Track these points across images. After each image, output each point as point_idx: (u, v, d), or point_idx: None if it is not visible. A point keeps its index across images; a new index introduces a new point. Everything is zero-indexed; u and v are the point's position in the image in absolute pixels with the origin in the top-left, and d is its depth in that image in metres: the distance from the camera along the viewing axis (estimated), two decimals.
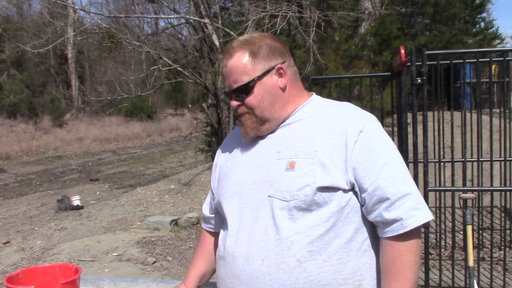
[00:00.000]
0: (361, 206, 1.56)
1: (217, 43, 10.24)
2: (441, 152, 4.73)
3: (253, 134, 1.64)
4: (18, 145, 23.85)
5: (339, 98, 4.93)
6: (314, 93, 1.77)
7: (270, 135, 1.67)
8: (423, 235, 4.38)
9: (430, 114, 5.21)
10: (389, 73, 5.24)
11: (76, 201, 11.45)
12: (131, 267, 5.78)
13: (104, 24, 10.50)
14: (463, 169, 4.42)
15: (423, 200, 1.55)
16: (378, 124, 1.63)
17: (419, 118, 4.67)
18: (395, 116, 5.65)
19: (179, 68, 10.97)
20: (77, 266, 1.92)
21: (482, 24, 13.66)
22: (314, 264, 1.50)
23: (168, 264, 5.95)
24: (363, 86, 7.21)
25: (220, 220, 1.84)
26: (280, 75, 1.64)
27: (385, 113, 6.24)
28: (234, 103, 1.64)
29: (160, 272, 5.69)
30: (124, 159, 20.92)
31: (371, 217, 1.55)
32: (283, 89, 1.65)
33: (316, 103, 1.70)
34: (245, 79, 1.60)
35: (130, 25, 27.35)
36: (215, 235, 1.87)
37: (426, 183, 4.18)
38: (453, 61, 4.37)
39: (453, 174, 4.48)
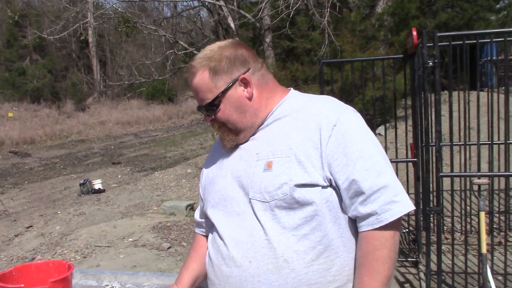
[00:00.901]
0: (341, 201, 1.53)
1: (232, 25, 10.16)
2: (464, 135, 4.60)
3: (230, 145, 1.66)
4: (42, 129, 24.28)
5: (352, 81, 4.85)
6: (291, 89, 1.73)
7: (251, 138, 1.66)
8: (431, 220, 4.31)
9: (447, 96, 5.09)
10: (401, 56, 5.11)
11: (97, 184, 11.64)
12: (146, 253, 5.85)
13: (120, 8, 10.51)
14: (477, 153, 4.33)
15: (402, 191, 1.49)
16: (355, 116, 1.58)
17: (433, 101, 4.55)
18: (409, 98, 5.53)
19: (195, 52, 10.92)
20: (70, 263, 1.93)
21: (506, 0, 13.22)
22: (302, 263, 1.48)
23: (183, 250, 6.00)
24: (379, 68, 7.08)
25: (210, 224, 1.82)
26: (245, 85, 1.62)
27: (399, 95, 6.13)
28: (207, 118, 1.65)
29: (174, 257, 5.74)
30: (146, 142, 21.12)
31: (349, 211, 1.51)
32: (250, 98, 1.63)
33: (292, 100, 1.67)
34: (210, 97, 1.60)
35: (149, 7, 27.37)
36: (207, 238, 1.86)
37: (438, 169, 4.09)
38: (466, 42, 4.23)
39: (466, 159, 4.37)
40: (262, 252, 1.50)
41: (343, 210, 1.54)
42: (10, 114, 26.21)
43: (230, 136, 1.65)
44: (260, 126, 1.65)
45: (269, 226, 1.50)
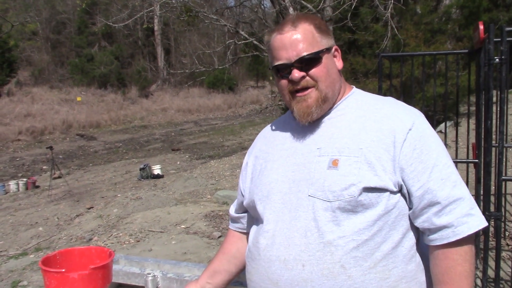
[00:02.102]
0: (409, 209, 1.45)
1: None
2: None
3: (316, 115, 1.51)
4: (107, 114, 25.20)
5: (412, 76, 4.67)
6: (354, 87, 1.66)
7: (307, 128, 1.56)
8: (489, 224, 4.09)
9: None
10: (466, 51, 4.86)
11: (157, 170, 11.95)
12: (197, 240, 5.93)
13: None
14: None
15: (476, 205, 1.42)
16: (427, 121, 1.51)
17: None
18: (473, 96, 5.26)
19: (255, 42, 10.91)
20: (111, 250, 1.96)
21: None
22: (359, 270, 1.39)
23: None
24: (444, 62, 6.78)
25: (250, 219, 1.76)
26: (336, 57, 1.57)
27: (463, 92, 5.85)
28: (298, 73, 1.48)
29: None
30: (205, 130, 21.46)
31: (418, 221, 1.43)
32: (339, 72, 1.58)
33: (358, 96, 1.60)
34: (315, 49, 1.49)
35: None
36: (242, 235, 1.81)
37: (499, 172, 3.87)
38: None
39: None
40: (317, 256, 1.41)
41: (409, 219, 1.46)
42: (79, 99, 27.36)
43: (319, 102, 1.51)
44: (324, 114, 1.56)
45: (327, 228, 1.41)
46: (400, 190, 1.43)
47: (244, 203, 1.69)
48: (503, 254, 4.71)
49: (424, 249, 1.50)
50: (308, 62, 1.49)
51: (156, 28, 33.31)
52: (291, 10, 10.08)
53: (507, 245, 5.25)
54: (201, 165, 12.08)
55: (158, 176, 11.67)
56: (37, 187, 12.20)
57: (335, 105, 1.57)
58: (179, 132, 21.57)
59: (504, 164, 4.05)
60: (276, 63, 1.52)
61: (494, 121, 4.18)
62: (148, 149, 17.68)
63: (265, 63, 33.04)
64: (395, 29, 7.39)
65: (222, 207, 7.41)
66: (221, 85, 30.36)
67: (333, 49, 1.57)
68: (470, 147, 4.94)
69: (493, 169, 4.05)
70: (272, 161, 1.60)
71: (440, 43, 7.80)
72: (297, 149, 1.55)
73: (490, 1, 9.26)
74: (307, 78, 1.50)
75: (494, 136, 4.48)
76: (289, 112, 1.69)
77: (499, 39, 3.83)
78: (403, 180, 1.42)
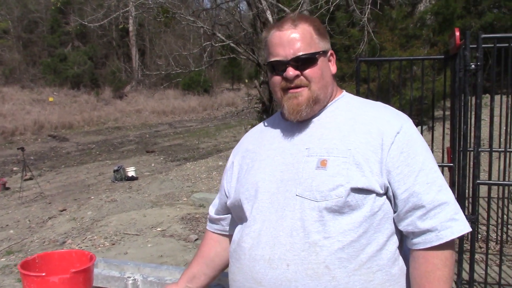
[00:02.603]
0: (393, 212, 1.46)
1: (270, 19, 10.07)
2: (505, 141, 4.44)
3: (305, 113, 1.52)
4: (80, 115, 24.84)
5: (389, 80, 4.73)
6: (344, 91, 1.67)
7: (296, 129, 1.57)
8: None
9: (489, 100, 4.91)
10: (442, 56, 4.95)
11: (131, 172, 11.83)
12: (173, 243, 5.88)
13: None
14: None
15: (460, 210, 1.43)
16: (414, 126, 1.53)
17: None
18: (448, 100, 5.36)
19: (232, 44, 10.91)
20: (92, 253, 1.92)
21: None
22: (344, 272, 1.39)
23: None
24: (420, 67, 6.90)
25: (232, 221, 1.75)
26: (330, 61, 1.59)
27: (439, 97, 5.95)
28: (293, 71, 1.49)
29: None
30: (180, 132, 21.34)
31: (403, 225, 1.44)
32: (332, 76, 1.60)
33: (348, 99, 1.61)
34: (312, 50, 1.50)
35: None
36: (221, 238, 1.79)
37: (475, 176, 3.94)
38: None
39: (505, 166, 4.21)
40: (302, 256, 1.41)
41: (394, 222, 1.47)
42: (51, 99, 26.89)
43: (310, 101, 1.51)
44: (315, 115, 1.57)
45: (313, 228, 1.40)
46: (386, 193, 1.44)
47: (228, 203, 1.68)
48: (477, 256, 4.80)
49: (407, 253, 1.51)
50: (304, 62, 1.50)
51: (131, 28, 32.99)
52: (268, 13, 10.12)
53: (480, 247, 5.35)
54: (176, 168, 12.01)
55: (132, 178, 11.55)
56: (7, 188, 11.94)
57: (325, 107, 1.58)
58: (154, 134, 21.40)
59: (479, 168, 4.13)
60: (272, 59, 1.53)
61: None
62: (122, 151, 17.48)
63: (241, 65, 33.05)
64: (372, 34, 7.48)
65: (199, 210, 7.37)
66: (197, 87, 30.23)
67: (329, 53, 1.58)
68: (445, 151, 5.03)
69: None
70: (259, 161, 1.60)
71: (416, 48, 7.94)
72: (286, 148, 1.55)
73: (464, 8, 9.47)
74: (301, 77, 1.50)
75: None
76: (278, 114, 1.70)
77: (475, 46, 3.91)
78: (389, 183, 1.43)
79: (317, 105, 1.53)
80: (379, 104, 1.60)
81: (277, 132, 1.62)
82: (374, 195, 1.41)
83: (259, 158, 1.60)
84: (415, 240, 1.42)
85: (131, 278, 2.31)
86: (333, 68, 1.60)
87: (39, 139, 21.08)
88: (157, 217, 6.99)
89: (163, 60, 25.42)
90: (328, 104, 1.58)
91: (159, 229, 6.46)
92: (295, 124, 1.57)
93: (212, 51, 14.64)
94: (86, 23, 10.84)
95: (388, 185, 1.43)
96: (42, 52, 34.84)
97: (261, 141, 1.66)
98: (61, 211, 8.79)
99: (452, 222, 1.39)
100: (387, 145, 1.43)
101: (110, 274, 2.38)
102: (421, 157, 1.44)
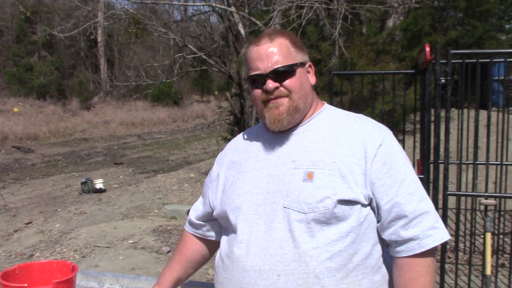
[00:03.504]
0: (377, 222, 1.51)
1: (242, 32, 10.15)
2: (474, 154, 4.57)
3: (287, 122, 1.55)
4: (46, 126, 24.28)
5: (361, 94, 4.82)
6: (326, 103, 1.71)
7: (281, 141, 1.60)
8: None
9: (455, 113, 5.06)
10: (413, 71, 5.08)
11: (99, 184, 11.61)
12: (145, 256, 5.81)
13: (131, 10, 10.53)
14: (486, 173, 4.28)
15: (440, 219, 1.50)
16: (395, 138, 1.58)
17: (443, 118, 4.53)
18: (418, 113, 5.49)
19: (204, 56, 10.93)
20: (74, 264, 1.90)
21: None
22: (332, 281, 1.43)
23: None
24: (389, 82, 7.06)
25: (212, 228, 1.81)
26: (309, 73, 1.63)
27: (408, 110, 6.11)
28: (272, 83, 1.53)
29: None
30: (149, 144, 21.10)
31: (386, 234, 1.50)
32: (312, 87, 1.64)
33: (331, 112, 1.66)
34: (289, 62, 1.55)
35: (160, 10, 27.47)
36: (201, 240, 1.84)
37: (445, 187, 4.05)
38: (480, 60, 4.20)
39: (474, 178, 4.34)
40: (293, 266, 1.44)
41: (377, 231, 1.52)
42: (15, 109, 26.25)
43: (290, 110, 1.55)
44: (296, 126, 1.60)
45: (302, 239, 1.44)
46: (370, 203, 1.49)
47: (215, 214, 1.70)
48: (446, 266, 4.91)
49: (389, 261, 1.56)
50: (282, 74, 1.54)
51: (99, 39, 32.63)
52: (240, 26, 10.19)
53: (448, 257, 5.47)
54: (147, 179, 11.86)
55: (100, 191, 11.34)
56: None
57: (309, 119, 1.61)
58: (122, 146, 21.10)
59: (449, 179, 4.24)
60: (252, 73, 1.57)
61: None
62: (89, 162, 17.16)
63: (211, 77, 33.10)
64: (343, 48, 7.62)
65: (170, 222, 7.30)
66: (166, 99, 30.06)
67: (307, 65, 1.63)
68: (416, 164, 5.14)
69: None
70: (245, 172, 1.62)
71: (385, 63, 8.13)
72: (271, 161, 1.58)
73: (430, 25, 9.75)
74: (281, 88, 1.55)
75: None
76: (261, 124, 1.73)
77: (445, 61, 4.04)
78: (372, 194, 1.48)
79: (297, 114, 1.57)
80: (361, 117, 1.64)
81: (261, 144, 1.65)
82: (359, 206, 1.46)
83: (245, 170, 1.63)
84: (398, 249, 1.48)
85: None
86: (312, 79, 1.65)
87: (3, 150, 20.50)
88: (128, 229, 6.90)
89: (132, 71, 25.23)
90: (311, 116, 1.62)
91: (130, 241, 6.37)
92: (279, 136, 1.61)
93: (182, 63, 14.60)
94: (55, 33, 10.69)
95: (372, 196, 1.48)
96: (7, 62, 34.06)
97: (246, 152, 1.68)
98: (27, 223, 8.55)
99: (433, 231, 1.45)
100: (370, 157, 1.48)
101: (89, 285, 2.34)
102: (402, 169, 1.50)
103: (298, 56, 1.58)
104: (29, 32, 33.15)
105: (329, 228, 1.44)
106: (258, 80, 1.56)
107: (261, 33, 1.64)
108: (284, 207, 1.48)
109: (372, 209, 1.50)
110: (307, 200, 1.45)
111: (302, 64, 1.59)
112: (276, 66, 1.53)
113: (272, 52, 1.54)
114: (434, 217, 1.48)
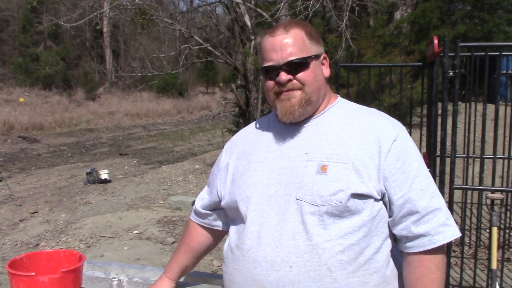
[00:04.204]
0: (388, 217, 1.51)
1: (248, 23, 10.12)
2: (481, 147, 4.56)
3: (298, 114, 1.54)
4: (52, 116, 24.34)
5: (368, 86, 4.80)
6: (339, 96, 1.70)
7: (294, 132, 1.59)
8: None
9: (463, 106, 5.03)
10: (420, 63, 5.04)
11: (104, 174, 11.65)
12: (150, 246, 5.83)
13: (137, 0, 10.49)
14: (493, 167, 4.26)
15: (451, 216, 1.50)
16: (408, 134, 1.58)
17: (450, 111, 4.50)
18: (425, 106, 5.46)
19: (210, 48, 10.90)
20: (81, 253, 1.90)
21: None
22: (344, 274, 1.43)
23: None
24: (396, 74, 7.02)
25: (219, 218, 1.80)
26: (323, 65, 1.61)
27: (415, 103, 6.08)
28: (286, 76, 1.52)
29: None
30: (154, 135, 21.13)
31: (397, 229, 1.50)
32: (326, 79, 1.62)
33: (344, 105, 1.64)
34: (304, 54, 1.53)
35: (166, 1, 27.42)
36: (207, 230, 1.85)
37: (452, 181, 4.03)
38: (489, 53, 4.16)
39: (481, 172, 4.31)
40: (305, 258, 1.44)
41: (389, 226, 1.51)
42: (21, 99, 26.30)
43: (302, 102, 1.54)
44: (310, 119, 1.59)
45: (315, 232, 1.44)
46: (382, 198, 1.49)
47: (223, 204, 1.69)
48: (452, 260, 4.90)
49: (397, 256, 1.56)
50: (296, 66, 1.52)
51: (105, 30, 32.61)
52: (246, 17, 10.16)
53: (453, 251, 5.46)
54: (152, 170, 11.89)
55: (105, 181, 11.38)
56: None
57: (322, 112, 1.60)
58: (127, 137, 21.13)
59: (455, 173, 4.22)
60: (266, 64, 1.56)
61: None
62: (94, 153, 17.21)
63: (216, 69, 33.04)
64: (349, 40, 7.57)
65: (175, 213, 7.32)
66: (171, 90, 30.06)
67: (322, 57, 1.61)
68: (422, 157, 5.12)
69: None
70: (256, 163, 1.61)
71: (393, 56, 8.08)
72: (284, 152, 1.57)
73: (439, 18, 9.67)
74: (294, 81, 1.53)
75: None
76: (273, 114, 1.70)
77: (453, 54, 4.00)
78: (385, 188, 1.47)
79: (309, 106, 1.56)
80: (374, 111, 1.63)
81: (273, 135, 1.64)
82: (372, 200, 1.46)
83: (256, 160, 1.62)
84: (409, 244, 1.48)
85: (116, 279, 2.28)
86: (326, 72, 1.62)
87: (8, 140, 20.57)
88: (134, 219, 6.92)
89: (138, 62, 25.22)
90: (325, 109, 1.61)
91: (135, 232, 6.39)
92: (292, 128, 1.60)
93: (188, 54, 14.59)
94: (61, 23, 10.68)
95: (385, 191, 1.47)
96: (13, 52, 34.15)
97: (256, 143, 1.66)
98: (33, 213, 8.60)
99: (444, 227, 1.45)
100: (384, 152, 1.47)
101: (95, 275, 2.35)
102: (415, 164, 1.49)
103: (313, 48, 1.56)
104: (35, 22, 33.17)
105: (342, 221, 1.44)
106: (272, 72, 1.55)
107: (277, 23, 1.62)
108: (297, 199, 1.47)
109: (384, 204, 1.49)
110: (320, 193, 1.44)
111: (317, 57, 1.57)
112: (291, 58, 1.51)
113: (287, 43, 1.52)
114: (446, 214, 1.48)
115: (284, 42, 1.52)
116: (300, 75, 1.53)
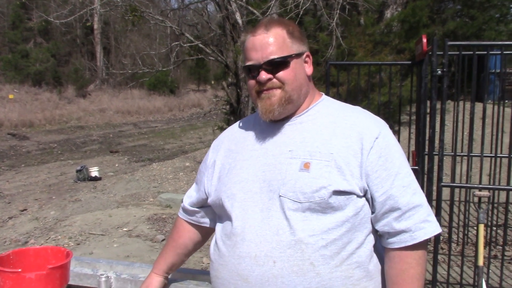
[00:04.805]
0: (371, 213, 1.53)
1: (240, 21, 10.11)
2: (469, 146, 4.60)
3: (278, 112, 1.56)
4: (42, 113, 24.19)
5: (358, 85, 4.83)
6: (323, 94, 1.72)
7: (278, 130, 1.61)
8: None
9: (451, 105, 5.06)
10: (409, 62, 5.08)
11: (94, 172, 11.60)
12: (140, 244, 5.82)
13: None
14: (480, 165, 4.30)
15: (432, 213, 1.52)
16: (391, 131, 1.60)
17: (439, 110, 4.53)
18: (414, 105, 5.50)
19: (201, 45, 10.88)
20: (68, 250, 1.90)
21: None
22: (327, 268, 1.46)
23: None
24: (386, 73, 7.06)
25: (207, 215, 1.82)
26: (306, 63, 1.62)
27: (405, 102, 6.11)
28: (265, 75, 1.54)
29: None
30: (145, 133, 21.06)
31: (379, 225, 1.52)
32: (309, 78, 1.63)
33: (328, 103, 1.66)
34: (284, 53, 1.54)
35: None
36: (195, 227, 1.87)
37: (439, 179, 4.06)
38: (476, 52, 4.19)
39: (468, 170, 4.35)
40: (288, 253, 1.46)
41: (371, 222, 1.54)
42: (11, 96, 26.10)
43: (282, 101, 1.55)
44: (293, 116, 1.61)
45: (298, 227, 1.46)
46: (365, 195, 1.51)
47: (209, 201, 1.71)
48: (439, 257, 4.94)
49: (381, 251, 1.58)
50: (276, 65, 1.54)
51: (96, 26, 32.41)
52: (237, 15, 10.14)
53: (441, 248, 5.51)
54: (142, 168, 11.86)
55: (96, 179, 11.34)
56: None
57: (306, 110, 1.62)
58: (118, 134, 21.05)
59: (443, 171, 4.25)
60: (247, 64, 1.58)
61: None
62: (84, 150, 17.12)
63: (208, 67, 32.98)
64: (340, 39, 7.60)
65: (165, 210, 7.32)
66: (162, 88, 29.97)
67: (305, 55, 1.62)
68: (411, 155, 5.16)
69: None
70: (242, 161, 1.63)
71: (384, 54, 8.12)
72: (268, 150, 1.59)
73: (429, 17, 9.73)
74: (274, 80, 1.55)
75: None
76: (256, 114, 1.72)
77: (441, 52, 4.04)
78: (367, 185, 1.49)
79: (290, 105, 1.58)
80: (358, 109, 1.65)
81: (258, 133, 1.66)
82: (355, 196, 1.48)
83: (242, 158, 1.64)
84: (391, 240, 1.50)
85: (104, 276, 2.28)
86: (309, 70, 1.64)
87: None
88: (123, 217, 6.90)
89: (129, 59, 25.11)
90: (309, 107, 1.62)
91: (125, 229, 6.38)
92: (276, 126, 1.62)
93: (179, 51, 14.55)
94: (52, 20, 10.61)
95: (367, 188, 1.50)
96: (3, 48, 33.81)
97: (243, 141, 1.68)
98: (22, 210, 8.55)
99: (425, 224, 1.48)
100: (366, 150, 1.49)
101: (82, 271, 2.35)
102: (397, 162, 1.52)
103: (294, 47, 1.57)
104: (25, 19, 32.89)
105: (325, 216, 1.46)
106: (253, 71, 1.57)
107: (259, 22, 1.64)
108: (280, 195, 1.49)
109: (367, 200, 1.52)
110: (303, 190, 1.46)
111: (298, 55, 1.58)
112: (271, 57, 1.53)
113: (267, 42, 1.54)
114: (427, 210, 1.50)
115: (265, 42, 1.54)
116: (280, 74, 1.54)
